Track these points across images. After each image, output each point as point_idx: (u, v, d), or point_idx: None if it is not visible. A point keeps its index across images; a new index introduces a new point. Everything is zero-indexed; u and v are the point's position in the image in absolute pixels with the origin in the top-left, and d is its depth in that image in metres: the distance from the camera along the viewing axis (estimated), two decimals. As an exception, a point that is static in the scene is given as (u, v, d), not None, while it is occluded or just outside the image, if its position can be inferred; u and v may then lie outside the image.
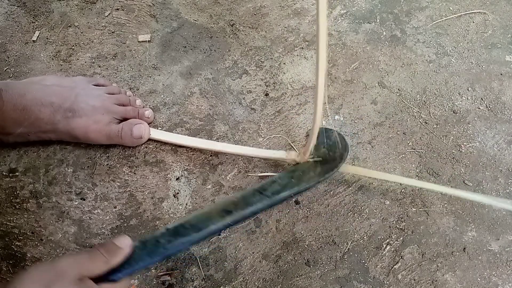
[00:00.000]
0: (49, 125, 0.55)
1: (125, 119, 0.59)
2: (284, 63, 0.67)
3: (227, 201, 0.52)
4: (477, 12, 0.71)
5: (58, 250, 0.54)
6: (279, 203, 0.56)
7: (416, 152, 0.61)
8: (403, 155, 0.60)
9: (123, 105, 0.59)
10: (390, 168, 0.59)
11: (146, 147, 0.60)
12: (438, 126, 0.62)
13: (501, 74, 0.66)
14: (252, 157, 0.59)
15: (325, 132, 0.59)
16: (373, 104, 0.64)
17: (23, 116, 0.54)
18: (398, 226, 0.56)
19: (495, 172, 0.59)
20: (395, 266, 0.54)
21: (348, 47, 0.68)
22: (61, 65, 0.66)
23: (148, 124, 0.60)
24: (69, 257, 0.38)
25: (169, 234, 0.46)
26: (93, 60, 0.66)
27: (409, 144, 0.61)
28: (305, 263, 0.54)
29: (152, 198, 0.57)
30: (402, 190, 0.58)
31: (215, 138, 0.61)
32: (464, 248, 0.55)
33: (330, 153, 0.57)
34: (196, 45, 0.68)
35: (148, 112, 0.61)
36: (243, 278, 0.53)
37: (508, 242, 0.55)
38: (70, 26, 0.69)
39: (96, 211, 0.56)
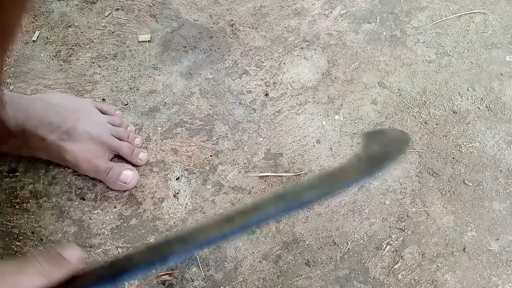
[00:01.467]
0: (43, 143, 0.54)
1: (118, 154, 0.57)
2: (284, 63, 0.67)
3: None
4: (477, 12, 0.71)
5: (58, 250, 0.54)
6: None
7: (416, 152, 0.61)
8: (403, 155, 0.60)
9: (121, 139, 0.57)
10: (390, 168, 0.59)
11: (146, 147, 0.60)
12: (438, 126, 0.62)
13: (501, 74, 0.66)
14: None
15: (378, 134, 0.46)
16: (373, 104, 0.64)
17: (20, 130, 0.53)
18: (398, 226, 0.56)
19: (495, 172, 0.59)
20: (395, 266, 0.54)
21: (348, 47, 0.68)
22: (61, 65, 0.66)
23: (140, 166, 0.58)
24: None
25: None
26: (93, 60, 0.66)
27: (409, 144, 0.61)
28: (305, 263, 0.54)
29: (152, 198, 0.57)
30: (402, 190, 0.58)
31: (215, 138, 0.61)
32: (464, 248, 0.55)
33: (383, 150, 0.43)
34: (196, 45, 0.68)
35: (143, 155, 0.58)
36: (243, 278, 0.53)
37: (508, 242, 0.55)
38: (70, 26, 0.69)
39: (96, 211, 0.56)
